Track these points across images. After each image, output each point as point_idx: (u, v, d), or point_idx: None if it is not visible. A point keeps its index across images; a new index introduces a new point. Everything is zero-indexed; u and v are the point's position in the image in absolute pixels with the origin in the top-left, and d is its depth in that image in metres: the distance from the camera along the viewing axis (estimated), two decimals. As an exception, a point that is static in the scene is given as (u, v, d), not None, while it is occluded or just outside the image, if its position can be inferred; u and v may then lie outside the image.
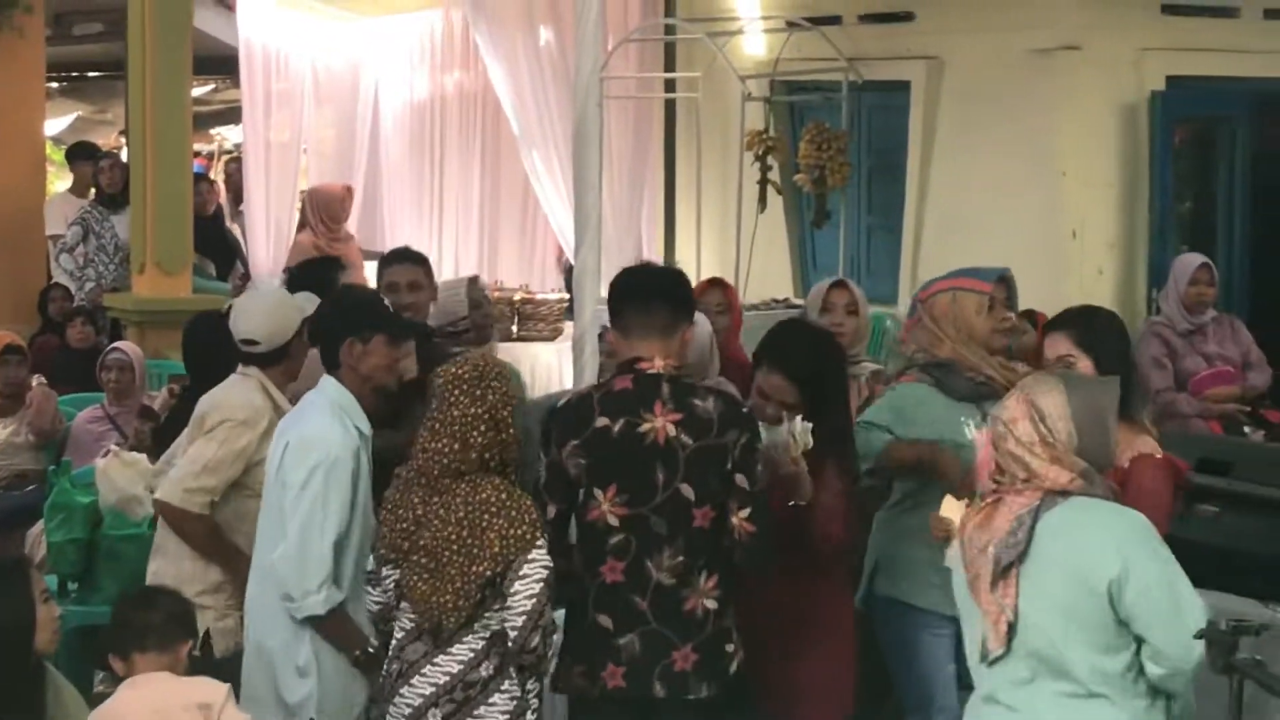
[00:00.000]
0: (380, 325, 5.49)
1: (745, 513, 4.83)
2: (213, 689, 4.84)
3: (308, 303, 6.12)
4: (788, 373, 5.30)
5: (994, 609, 4.18)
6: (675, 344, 4.99)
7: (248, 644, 5.48)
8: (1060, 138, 9.66)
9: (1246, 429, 8.20)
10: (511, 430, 4.78)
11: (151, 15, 10.26)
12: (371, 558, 5.03)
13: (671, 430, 4.82)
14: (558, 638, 5.17)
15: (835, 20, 10.62)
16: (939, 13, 10.18)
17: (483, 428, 4.73)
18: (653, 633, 4.84)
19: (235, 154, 15.80)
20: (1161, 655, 4.09)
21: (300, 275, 7.40)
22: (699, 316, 5.80)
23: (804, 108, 11.08)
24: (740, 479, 4.83)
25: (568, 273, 12.43)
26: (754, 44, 11.17)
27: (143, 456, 6.86)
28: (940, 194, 10.31)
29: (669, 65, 11.64)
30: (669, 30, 11.35)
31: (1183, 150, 10.09)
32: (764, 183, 10.49)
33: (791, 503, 5.12)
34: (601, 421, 4.87)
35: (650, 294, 5.02)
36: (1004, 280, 6.24)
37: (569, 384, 6.55)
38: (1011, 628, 4.16)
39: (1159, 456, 4.96)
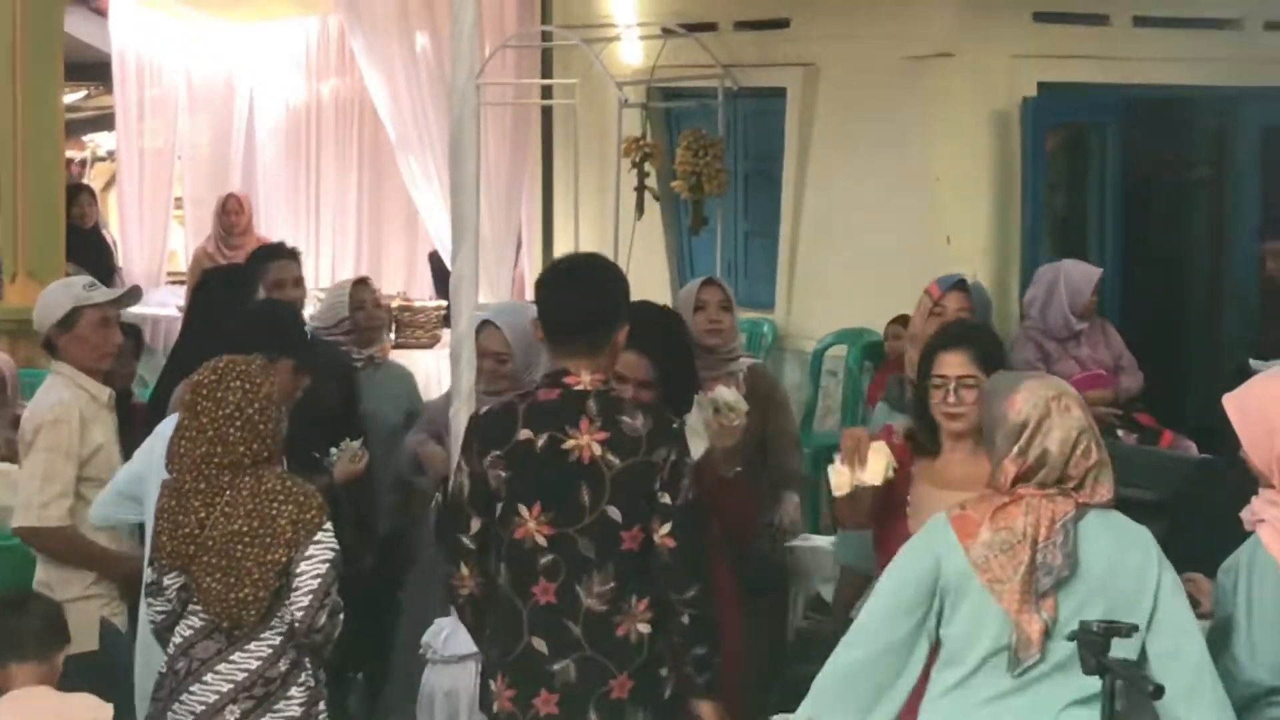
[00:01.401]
0: (290, 350, 5.62)
1: (666, 528, 4.67)
2: (96, 708, 4.80)
3: (91, 290, 6.18)
4: (641, 348, 5.30)
5: (1030, 617, 4.17)
6: (605, 356, 4.81)
7: (140, 637, 5.49)
8: (934, 144, 9.73)
9: (1119, 432, 8.30)
10: (269, 423, 4.88)
11: (22, 20, 10.14)
12: (149, 570, 5.03)
13: (597, 449, 4.66)
14: (440, 640, 5.18)
15: (711, 27, 10.66)
16: (814, 20, 10.23)
17: (238, 424, 4.84)
18: (588, 660, 4.67)
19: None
20: None
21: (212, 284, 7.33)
22: (520, 306, 5.82)
23: (681, 114, 11.10)
24: (665, 497, 4.68)
25: (437, 276, 12.43)
26: (631, 51, 11.18)
27: (14, 467, 6.80)
28: (816, 200, 10.36)
29: (546, 72, 11.64)
30: (546, 37, 11.35)
31: (1055, 156, 10.19)
32: (641, 189, 10.51)
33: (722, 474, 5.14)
34: (525, 434, 4.70)
35: (575, 307, 4.82)
36: (961, 288, 6.29)
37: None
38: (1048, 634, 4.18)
39: None
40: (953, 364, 5.14)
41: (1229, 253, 10.51)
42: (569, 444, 4.68)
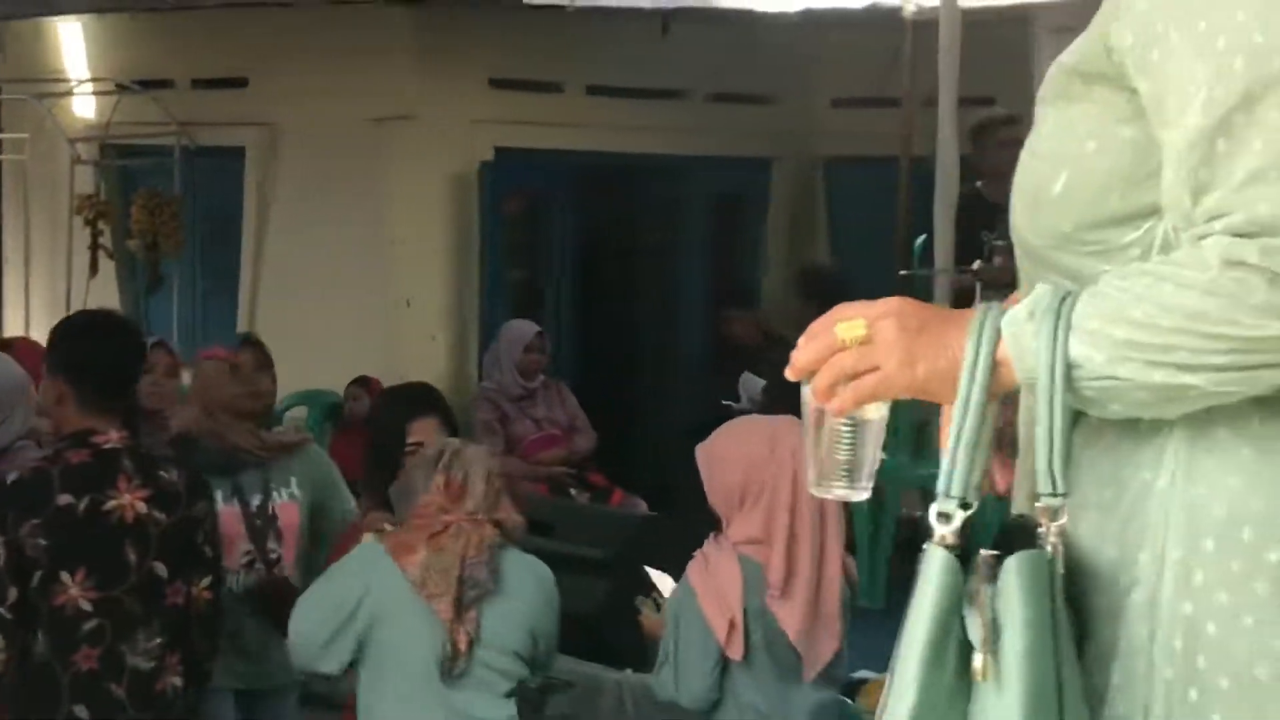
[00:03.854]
0: None
1: (206, 581, 4.66)
2: None
3: None
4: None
5: (458, 629, 4.35)
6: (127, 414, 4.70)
7: None
8: (394, 206, 9.77)
9: (572, 491, 8.46)
10: None
11: None
12: None
13: (142, 507, 4.55)
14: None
15: (168, 84, 10.46)
16: (274, 79, 10.16)
17: None
18: None
19: None
20: None
21: None
22: None
23: (137, 172, 10.86)
24: (207, 549, 4.68)
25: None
26: (84, 106, 10.89)
27: None
28: (277, 260, 10.27)
29: (-5, 126, 11.25)
30: (-6, 89, 10.97)
31: (513, 219, 10.36)
32: (95, 248, 10.24)
33: None
34: (64, 499, 4.52)
35: (121, 364, 4.72)
36: (252, 343, 6.28)
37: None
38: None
39: None
40: (425, 430, 5.22)
41: (679, 316, 10.87)
42: (110, 505, 4.56)
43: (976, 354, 1.83)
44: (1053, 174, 1.91)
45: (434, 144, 9.76)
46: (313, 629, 4.51)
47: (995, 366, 1.82)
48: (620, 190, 10.79)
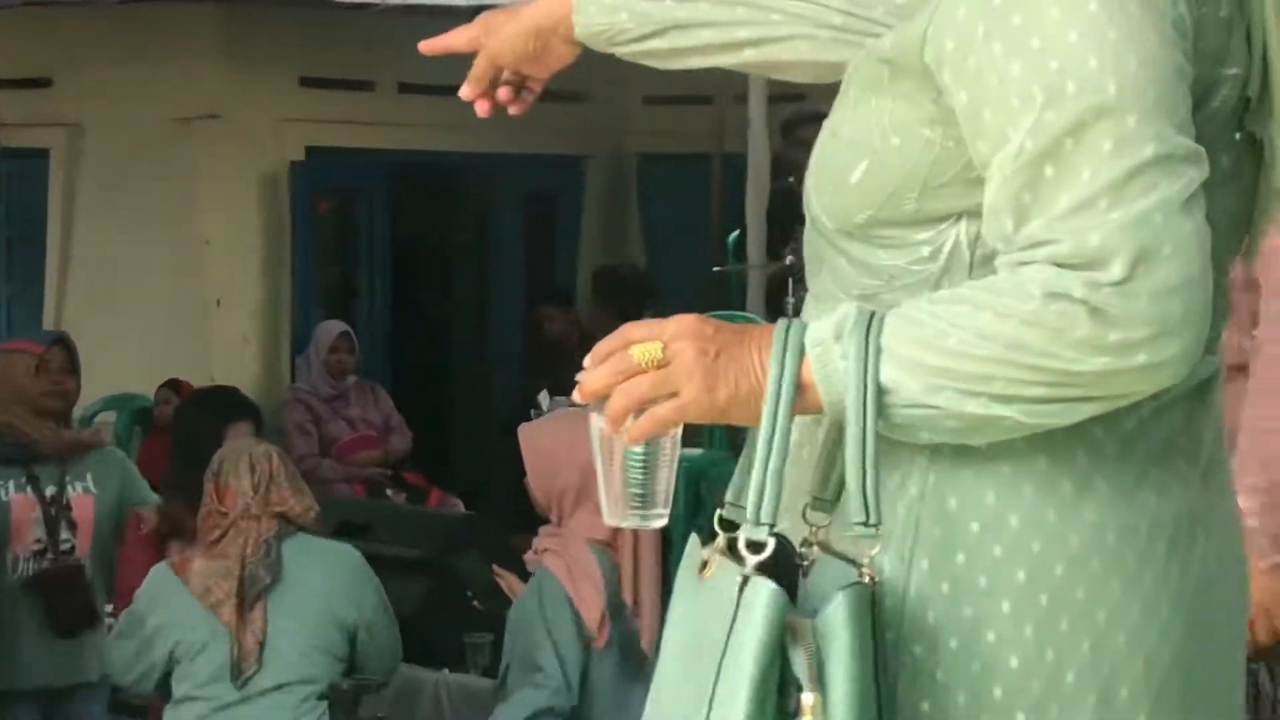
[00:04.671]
0: None
1: None
2: None
3: None
4: None
5: (245, 631, 4.39)
6: None
7: None
8: (203, 206, 9.65)
9: (389, 491, 8.42)
10: None
11: None
12: None
13: None
14: None
15: (-31, 84, 10.25)
16: (79, 79, 9.98)
17: None
18: None
19: None
20: None
21: None
22: None
23: (-62, 174, 10.62)
24: None
25: None
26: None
27: None
28: (84, 263, 10.09)
29: None
30: None
31: (325, 219, 10.28)
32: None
33: None
34: None
35: None
36: (63, 343, 6.19)
37: None
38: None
39: None
40: (240, 434, 5.25)
41: (494, 315, 10.85)
42: None
43: (780, 378, 1.74)
44: (852, 161, 1.85)
45: (243, 143, 9.65)
46: (123, 658, 4.53)
47: (801, 389, 1.74)
48: (433, 189, 10.76)
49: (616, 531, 4.52)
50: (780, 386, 1.73)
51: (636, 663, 4.58)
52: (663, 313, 1.87)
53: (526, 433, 4.75)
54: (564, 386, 8.93)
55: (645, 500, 1.82)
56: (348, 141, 9.99)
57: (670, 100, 10.22)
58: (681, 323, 1.79)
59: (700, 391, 1.76)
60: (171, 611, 4.44)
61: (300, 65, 9.78)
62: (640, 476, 1.81)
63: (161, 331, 9.36)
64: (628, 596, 4.61)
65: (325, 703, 4.33)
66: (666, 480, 1.83)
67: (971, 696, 1.78)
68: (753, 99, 7.82)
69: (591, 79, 10.41)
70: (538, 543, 4.70)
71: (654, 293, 9.09)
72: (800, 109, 8.17)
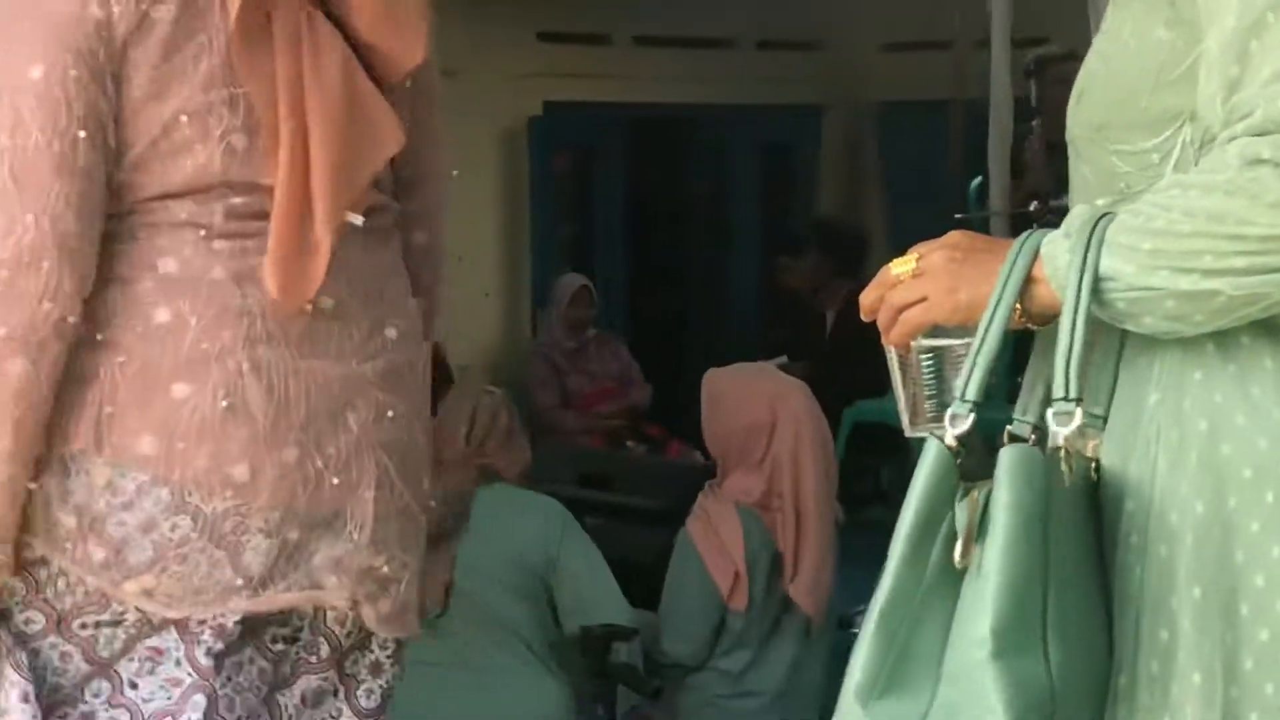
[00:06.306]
0: None
1: None
2: None
3: None
4: None
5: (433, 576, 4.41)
6: None
7: None
8: (443, 163, 9.73)
9: (629, 443, 8.45)
10: None
11: None
12: None
13: None
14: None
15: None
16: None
17: None
18: None
19: None
20: None
21: None
22: None
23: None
24: None
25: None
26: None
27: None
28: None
29: None
30: None
31: (562, 174, 10.32)
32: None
33: None
34: None
35: None
36: None
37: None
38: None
39: None
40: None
41: (732, 266, 10.82)
42: None
43: (1011, 266, 1.85)
44: (1098, 68, 1.95)
45: (482, 99, 9.70)
46: None
47: (1031, 283, 1.85)
48: (670, 141, 10.74)
49: (770, 494, 4.53)
50: (1009, 274, 1.84)
51: (790, 623, 4.57)
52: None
53: (709, 378, 4.76)
54: (800, 340, 8.92)
55: (940, 405, 1.91)
56: (585, 95, 10.00)
57: (909, 46, 10.10)
58: (946, 236, 1.92)
59: (944, 293, 1.89)
60: None
61: (537, 20, 9.81)
62: (931, 380, 1.93)
63: (404, 288, 9.48)
64: (788, 558, 4.59)
65: (521, 644, 4.31)
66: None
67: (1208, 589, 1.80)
68: (995, 43, 7.68)
69: (829, 27, 10.32)
70: (699, 503, 4.72)
71: (868, 244, 9.08)
72: (1045, 51, 8.01)
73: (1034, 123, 7.72)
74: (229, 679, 2.36)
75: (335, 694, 2.49)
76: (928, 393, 1.94)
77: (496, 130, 9.74)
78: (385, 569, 2.39)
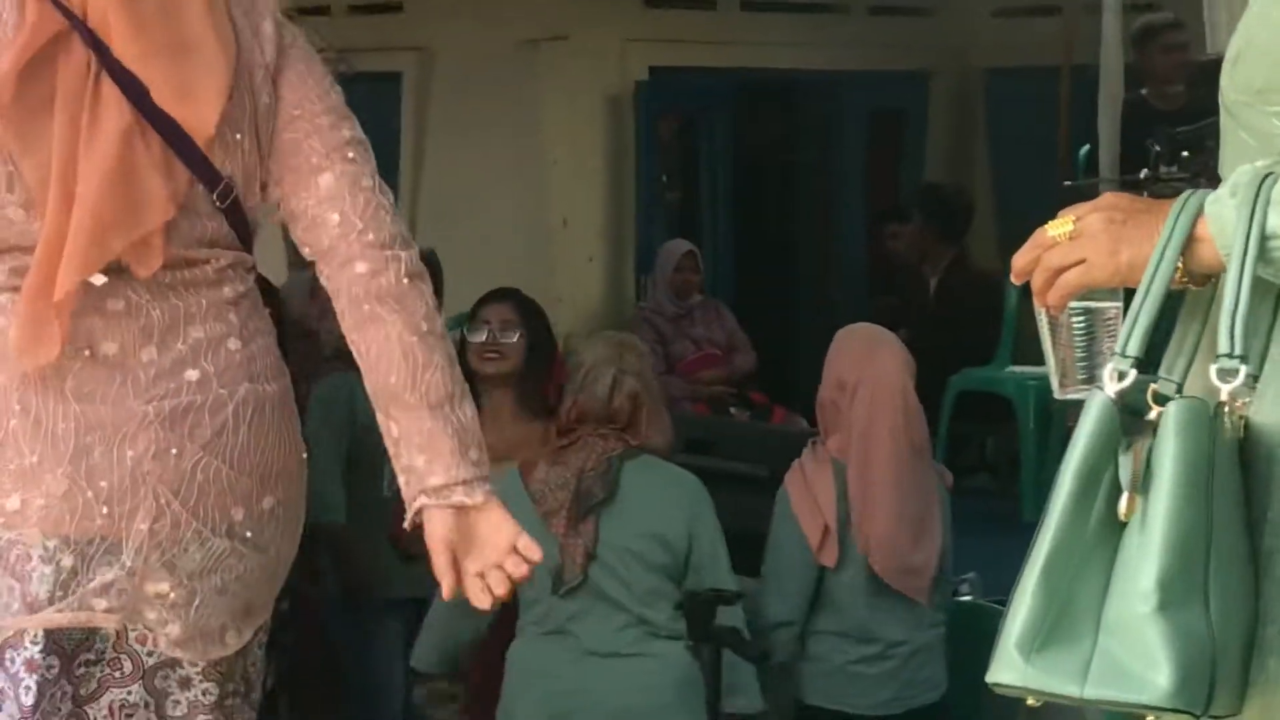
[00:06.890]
0: None
1: None
2: None
3: None
4: None
5: (573, 541, 4.42)
6: None
7: None
8: (549, 127, 9.75)
9: (733, 410, 8.45)
10: None
11: None
12: None
13: None
14: None
15: (324, 11, 10.49)
16: (428, 3, 10.17)
17: None
18: None
19: None
20: None
21: None
22: None
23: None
24: None
25: None
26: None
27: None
28: (434, 184, 10.30)
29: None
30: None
31: (668, 139, 10.32)
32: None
33: None
34: None
35: None
36: (429, 261, 6.33)
37: None
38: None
39: None
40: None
41: (838, 233, 10.79)
42: None
43: (1174, 226, 1.86)
44: (1257, 30, 1.93)
45: (589, 64, 9.72)
46: None
47: (1194, 241, 1.86)
48: (776, 106, 10.71)
49: (847, 444, 4.56)
50: (1172, 232, 1.85)
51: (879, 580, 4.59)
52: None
53: (839, 334, 4.82)
54: (905, 307, 8.88)
55: (1090, 368, 1.94)
56: (691, 60, 9.99)
57: (1018, 12, 10.03)
58: (1101, 199, 1.93)
59: (1104, 255, 1.89)
60: (515, 515, 4.50)
61: (644, -15, 9.82)
62: (1083, 343, 1.94)
63: (509, 251, 9.50)
64: (856, 519, 4.60)
65: (654, 614, 4.35)
66: (1109, 350, 1.93)
67: None
68: (1106, 8, 7.60)
69: (938, -7, 10.26)
70: (799, 459, 4.80)
71: (974, 211, 9.04)
72: (1154, 18, 7.94)
73: (1143, 91, 7.66)
74: (45, 714, 2.54)
75: (146, 706, 2.63)
76: (1079, 355, 1.95)
77: (603, 95, 9.74)
78: (171, 595, 2.55)
